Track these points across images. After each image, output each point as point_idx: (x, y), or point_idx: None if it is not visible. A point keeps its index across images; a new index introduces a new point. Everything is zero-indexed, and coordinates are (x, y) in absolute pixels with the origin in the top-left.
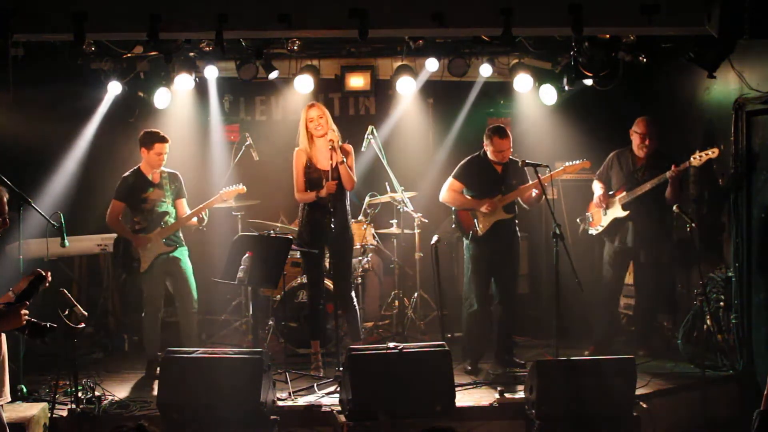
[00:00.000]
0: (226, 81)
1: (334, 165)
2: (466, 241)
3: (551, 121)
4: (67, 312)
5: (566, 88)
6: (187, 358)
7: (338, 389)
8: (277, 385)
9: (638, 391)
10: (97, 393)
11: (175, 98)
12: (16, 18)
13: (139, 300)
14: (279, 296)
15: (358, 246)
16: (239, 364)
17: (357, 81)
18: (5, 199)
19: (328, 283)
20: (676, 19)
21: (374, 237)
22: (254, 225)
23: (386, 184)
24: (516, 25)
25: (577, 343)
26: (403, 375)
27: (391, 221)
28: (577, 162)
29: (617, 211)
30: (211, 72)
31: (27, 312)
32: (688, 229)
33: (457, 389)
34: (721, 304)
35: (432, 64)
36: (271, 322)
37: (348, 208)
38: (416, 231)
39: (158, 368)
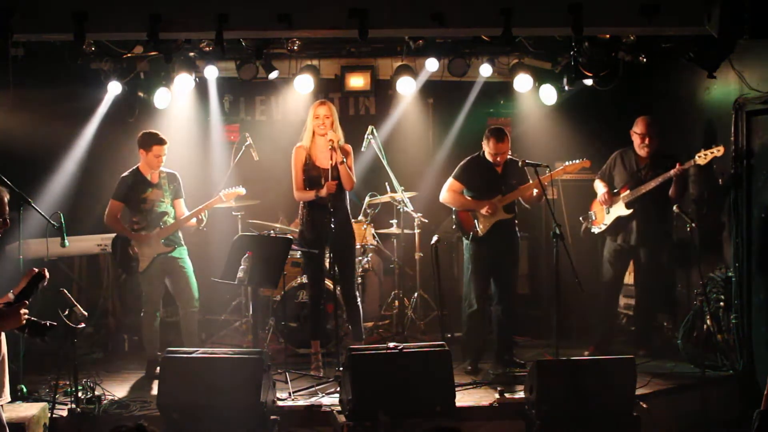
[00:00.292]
0: (226, 81)
1: (333, 165)
2: (466, 241)
3: (551, 121)
4: (67, 312)
5: (566, 88)
6: (187, 358)
7: (338, 389)
8: (277, 385)
9: (638, 391)
10: (97, 393)
11: (175, 98)
12: (16, 18)
13: (138, 300)
14: (279, 296)
15: (358, 246)
16: (239, 364)
17: (357, 81)
18: (5, 199)
19: (328, 283)
20: (676, 19)
21: (374, 237)
22: (254, 225)
23: (386, 184)
24: (516, 25)
25: (577, 343)
26: (403, 375)
27: (391, 221)
28: (577, 161)
29: (621, 210)
30: (211, 72)
31: (26, 311)
32: (688, 229)
33: (457, 389)
34: (721, 304)
35: (432, 64)
36: (271, 322)
37: (348, 207)
38: (416, 231)
39: (158, 368)
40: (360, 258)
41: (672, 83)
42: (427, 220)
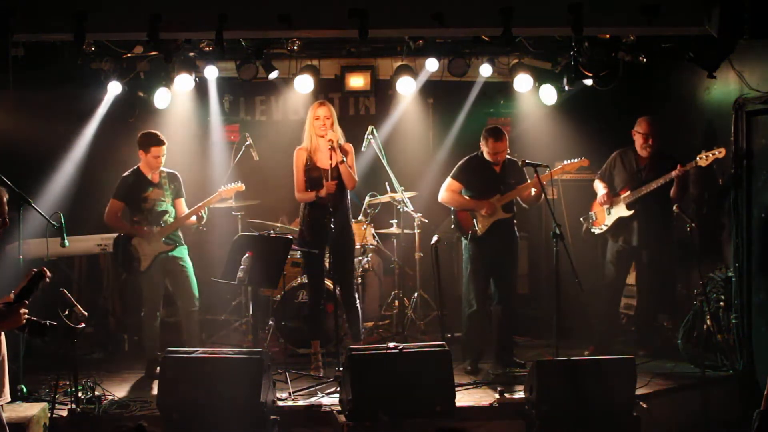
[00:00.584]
0: (226, 81)
1: (334, 165)
2: (465, 241)
3: (551, 121)
4: (67, 312)
5: (566, 88)
6: (187, 358)
7: (338, 389)
8: (277, 385)
9: (638, 391)
10: (97, 393)
11: (175, 98)
12: (16, 18)
13: (139, 300)
14: (279, 296)
15: (358, 246)
16: (239, 364)
17: (357, 81)
18: (5, 199)
19: (328, 283)
20: (676, 19)
21: (374, 237)
22: (254, 225)
23: (386, 184)
24: (516, 25)
25: (577, 343)
26: (403, 375)
27: (391, 221)
28: (576, 160)
29: (622, 211)
30: (211, 72)
31: (26, 311)
32: (688, 229)
33: (457, 389)
34: (721, 304)
35: (432, 64)
36: (271, 322)
37: (349, 208)
38: (416, 231)
39: (158, 368)
40: (360, 258)
41: (672, 83)
42: (427, 220)
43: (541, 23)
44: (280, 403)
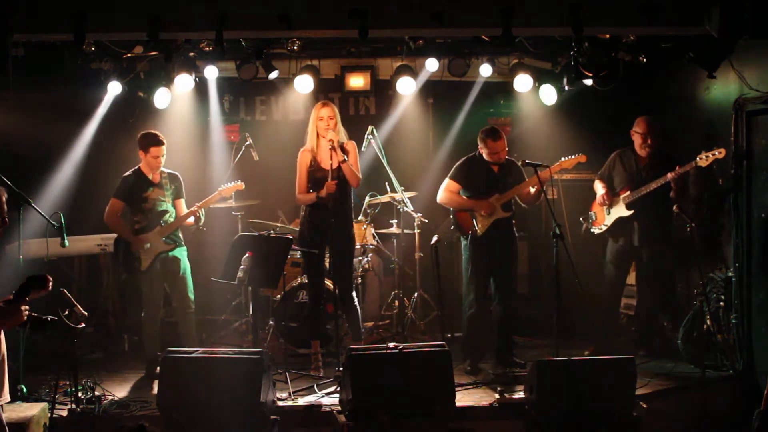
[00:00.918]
0: (226, 81)
1: (335, 165)
2: (464, 242)
3: (551, 121)
4: (67, 312)
5: (566, 88)
6: (187, 358)
7: (338, 389)
8: (277, 385)
9: (638, 391)
10: (97, 393)
11: (175, 98)
12: (16, 18)
13: (139, 300)
14: (279, 296)
15: (358, 246)
16: (239, 364)
17: (357, 81)
18: (4, 199)
19: (328, 283)
20: (676, 19)
21: (374, 237)
22: (254, 225)
23: (386, 184)
24: (516, 25)
25: (577, 343)
26: (403, 375)
27: (391, 221)
28: (573, 157)
29: (621, 211)
30: (211, 72)
31: (27, 307)
32: (688, 229)
33: (457, 389)
34: (721, 304)
35: (432, 64)
36: (271, 322)
37: (351, 209)
38: (416, 231)
39: (158, 368)
40: (360, 258)
41: (672, 83)
42: (427, 220)
43: (541, 23)
44: (280, 403)
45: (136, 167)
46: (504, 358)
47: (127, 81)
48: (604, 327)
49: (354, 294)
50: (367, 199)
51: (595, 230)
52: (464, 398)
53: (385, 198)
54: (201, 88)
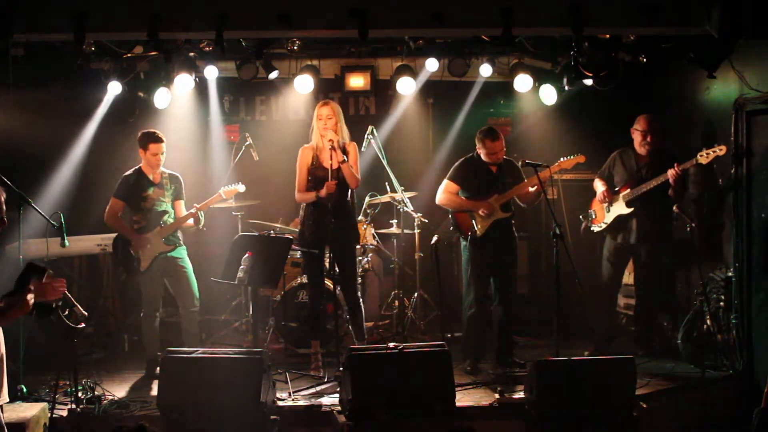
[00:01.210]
0: (226, 81)
1: (335, 166)
2: (464, 242)
3: (551, 121)
4: (67, 312)
5: (566, 88)
6: (187, 358)
7: (338, 389)
8: (277, 385)
9: (638, 391)
10: (97, 393)
11: (175, 98)
12: (16, 18)
13: (138, 300)
14: (279, 296)
15: (358, 246)
16: (239, 364)
17: (357, 81)
18: (3, 198)
19: (328, 283)
20: (676, 19)
21: (374, 237)
22: (254, 225)
23: (386, 184)
24: (516, 25)
25: (577, 343)
26: (403, 375)
27: (391, 221)
28: (572, 157)
29: (621, 208)
30: (211, 72)
31: (32, 296)
32: (688, 229)
33: (457, 389)
34: (721, 304)
35: (432, 64)
36: (271, 322)
37: (353, 208)
38: (416, 231)
39: (158, 368)
40: (360, 258)
41: (672, 83)
42: (427, 220)
43: (541, 23)
44: (280, 403)
45: (136, 167)
46: (504, 358)
47: (127, 81)
48: (604, 326)
49: (359, 294)
50: (367, 199)
51: (595, 228)
52: (464, 398)
53: (385, 198)
54: (201, 88)
